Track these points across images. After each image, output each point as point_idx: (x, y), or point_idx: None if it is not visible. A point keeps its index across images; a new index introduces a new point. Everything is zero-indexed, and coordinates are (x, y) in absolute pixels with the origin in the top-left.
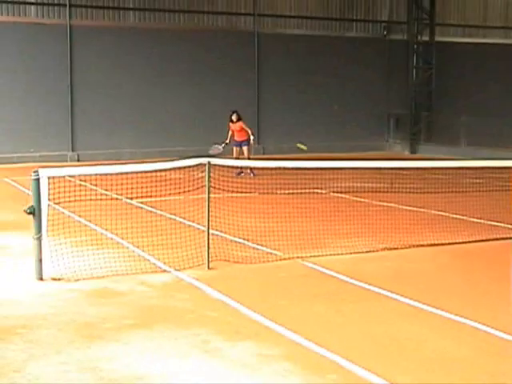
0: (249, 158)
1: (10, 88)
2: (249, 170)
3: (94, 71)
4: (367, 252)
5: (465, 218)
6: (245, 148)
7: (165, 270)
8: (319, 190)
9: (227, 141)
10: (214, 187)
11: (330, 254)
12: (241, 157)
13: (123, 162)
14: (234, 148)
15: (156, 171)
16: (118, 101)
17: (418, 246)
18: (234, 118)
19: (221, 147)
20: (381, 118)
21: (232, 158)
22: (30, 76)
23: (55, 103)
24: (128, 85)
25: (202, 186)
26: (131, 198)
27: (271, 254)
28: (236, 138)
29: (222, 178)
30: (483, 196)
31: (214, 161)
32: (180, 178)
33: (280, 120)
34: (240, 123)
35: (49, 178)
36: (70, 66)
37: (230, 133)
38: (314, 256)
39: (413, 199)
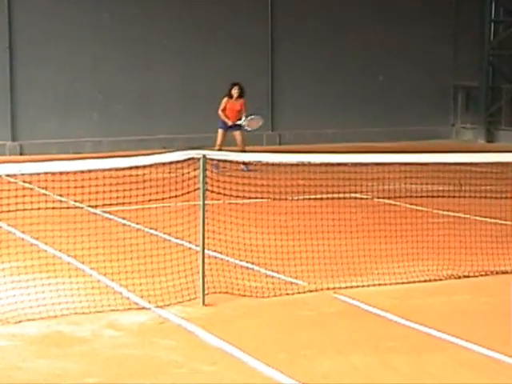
0: (244, 150)
1: None
2: (242, 165)
3: (42, 30)
4: (426, 281)
5: None
6: (238, 133)
7: (143, 307)
8: (358, 195)
9: (231, 122)
10: (212, 190)
11: (374, 285)
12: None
13: (84, 155)
14: (221, 131)
15: (131, 168)
16: (75, 72)
17: (497, 272)
18: (235, 92)
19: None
20: (445, 93)
21: (213, 148)
22: None
23: None
24: (90, 50)
25: (195, 190)
26: (96, 207)
27: (291, 283)
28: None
29: (221, 177)
30: None
31: (210, 154)
32: (164, 179)
33: (302, 98)
34: (242, 101)
35: None
36: (8, 21)
37: (222, 113)
38: (351, 287)
39: (491, 207)
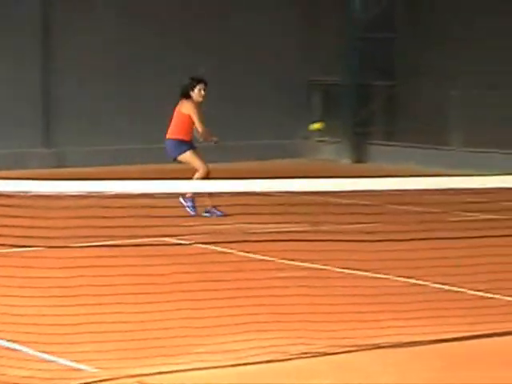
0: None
1: None
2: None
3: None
4: (272, 361)
5: None
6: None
7: None
8: (170, 239)
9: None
10: None
11: (198, 368)
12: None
13: None
14: (190, 153)
15: None
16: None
17: (368, 347)
18: (203, 94)
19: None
20: (294, 92)
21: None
22: None
23: None
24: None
25: None
26: None
27: (74, 370)
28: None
29: None
30: None
31: None
32: None
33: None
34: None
35: None
36: None
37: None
38: (162, 372)
39: (359, 255)
